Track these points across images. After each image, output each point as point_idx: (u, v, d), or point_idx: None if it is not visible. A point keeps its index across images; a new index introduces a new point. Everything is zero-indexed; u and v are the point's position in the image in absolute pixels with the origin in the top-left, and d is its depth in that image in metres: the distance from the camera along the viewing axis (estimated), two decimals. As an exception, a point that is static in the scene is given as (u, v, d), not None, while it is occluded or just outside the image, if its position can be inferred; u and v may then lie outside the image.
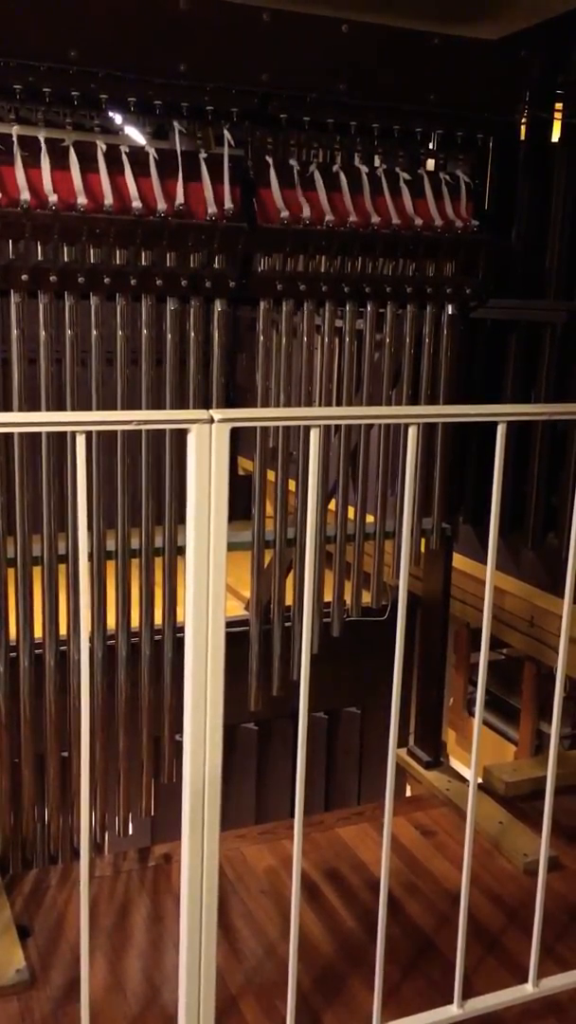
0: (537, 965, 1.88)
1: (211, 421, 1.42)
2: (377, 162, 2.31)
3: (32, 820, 2.25)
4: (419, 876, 2.39)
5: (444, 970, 1.98)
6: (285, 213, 2.16)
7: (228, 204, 2.10)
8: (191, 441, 1.42)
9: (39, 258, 2.00)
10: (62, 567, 2.17)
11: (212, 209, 2.09)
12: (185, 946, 1.59)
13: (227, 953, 2.06)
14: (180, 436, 1.53)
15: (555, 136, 2.93)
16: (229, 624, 1.53)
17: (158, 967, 2.03)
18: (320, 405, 2.38)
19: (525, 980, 1.90)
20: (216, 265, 2.16)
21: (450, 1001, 1.84)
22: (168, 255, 2.11)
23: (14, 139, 1.94)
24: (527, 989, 1.90)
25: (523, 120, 2.89)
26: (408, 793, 3.14)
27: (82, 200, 1.98)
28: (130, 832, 2.39)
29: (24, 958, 2.00)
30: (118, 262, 2.07)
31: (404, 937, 2.15)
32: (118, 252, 2.06)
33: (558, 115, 2.87)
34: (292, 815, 1.66)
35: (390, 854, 1.73)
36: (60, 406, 2.08)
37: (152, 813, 2.42)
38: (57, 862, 2.36)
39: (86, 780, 1.52)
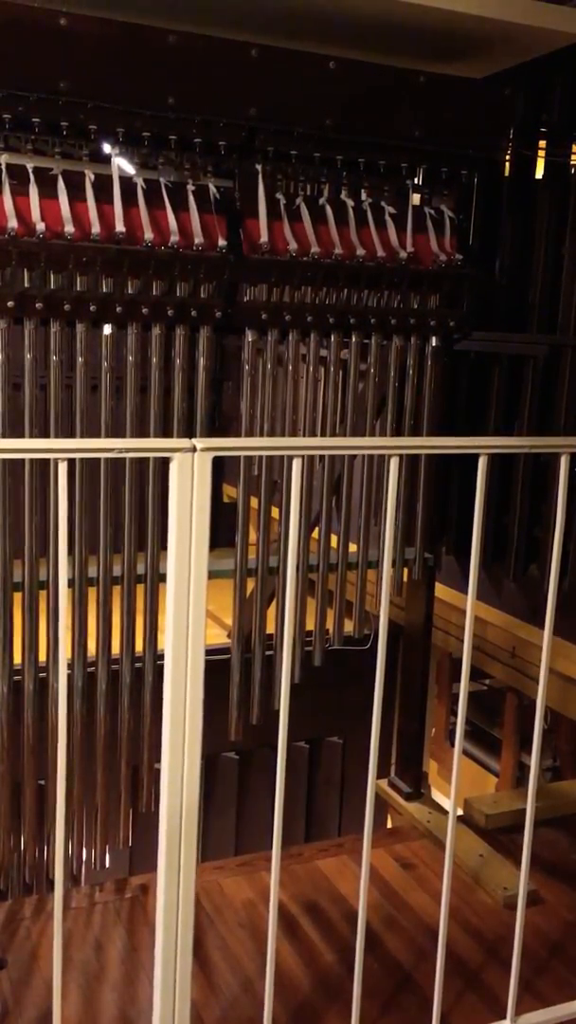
0: (516, 1001, 1.87)
1: (193, 450, 1.43)
2: (363, 195, 2.33)
3: (7, 849, 2.22)
4: (398, 909, 2.37)
5: (422, 1005, 1.96)
6: (271, 244, 2.18)
7: (215, 234, 2.12)
8: (173, 469, 1.43)
9: (25, 285, 2.01)
10: (43, 593, 2.16)
11: (199, 239, 2.11)
12: (160, 979, 1.57)
13: (203, 986, 2.04)
14: (163, 463, 1.54)
15: (538, 173, 2.98)
16: (210, 652, 1.52)
17: (132, 1001, 2.00)
18: (304, 434, 2.39)
19: (503, 1016, 1.88)
20: (202, 294, 2.17)
21: (428, 1037, 1.82)
22: (154, 284, 2.12)
23: (2, 168, 1.95)
24: (505, 1025, 1.88)
25: (507, 157, 2.94)
26: (389, 824, 3.13)
27: (69, 228, 1.99)
28: (107, 863, 2.36)
29: (-4, 991, 1.97)
30: (104, 290, 2.08)
31: (382, 971, 2.13)
32: (104, 280, 2.08)
33: (541, 153, 2.92)
34: (272, 846, 1.65)
35: (369, 887, 1.72)
36: (44, 432, 2.09)
37: (130, 843, 2.39)
38: (32, 892, 2.33)
39: (62, 809, 1.51)
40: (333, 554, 2.49)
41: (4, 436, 2.05)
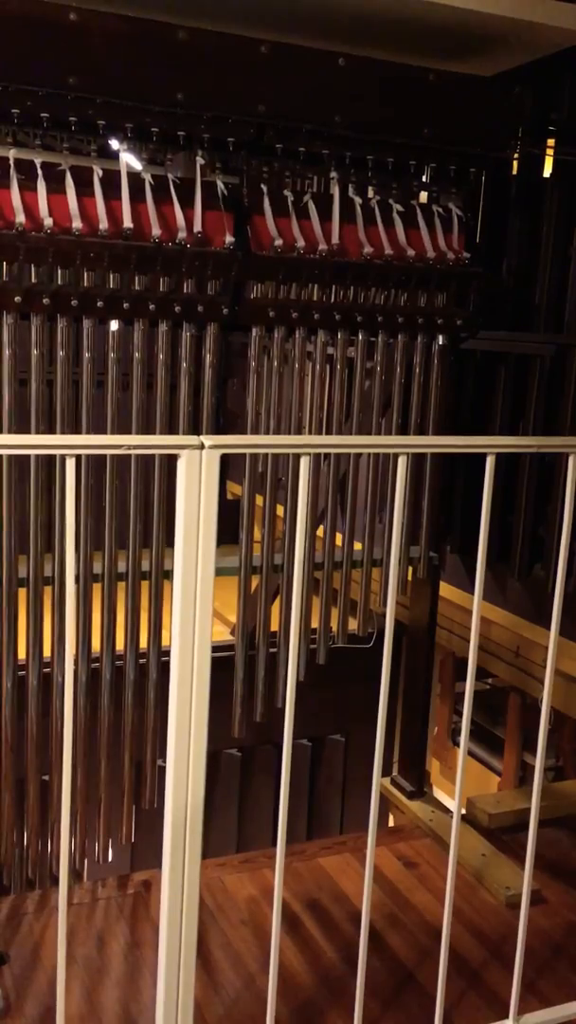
0: (518, 1001, 1.87)
1: (201, 447, 1.43)
2: (371, 193, 2.33)
3: (11, 845, 2.22)
4: (401, 908, 2.37)
5: (424, 1004, 1.96)
6: (279, 241, 2.17)
7: (222, 231, 2.12)
8: (181, 466, 1.43)
9: (32, 280, 2.01)
10: (47, 589, 2.16)
11: (206, 236, 2.10)
12: (163, 976, 1.57)
13: (205, 984, 2.04)
14: (170, 460, 1.53)
15: (546, 172, 2.97)
16: (214, 649, 1.52)
17: (135, 997, 2.00)
18: (310, 432, 2.39)
19: (506, 1016, 1.88)
20: (209, 291, 2.17)
21: (430, 1036, 1.82)
22: (161, 280, 2.12)
23: (11, 163, 1.95)
24: (508, 1025, 1.88)
25: (515, 155, 2.93)
26: (391, 823, 3.12)
27: (77, 224, 1.99)
28: (110, 859, 2.36)
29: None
30: (111, 286, 2.08)
31: (385, 970, 2.13)
32: (111, 276, 2.07)
33: (550, 151, 2.91)
34: (274, 844, 1.65)
35: (372, 886, 1.71)
36: (50, 428, 2.08)
37: (132, 839, 2.39)
38: (35, 888, 2.33)
39: (67, 805, 1.51)
40: (338, 552, 2.49)
41: (10, 432, 2.05)
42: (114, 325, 2.11)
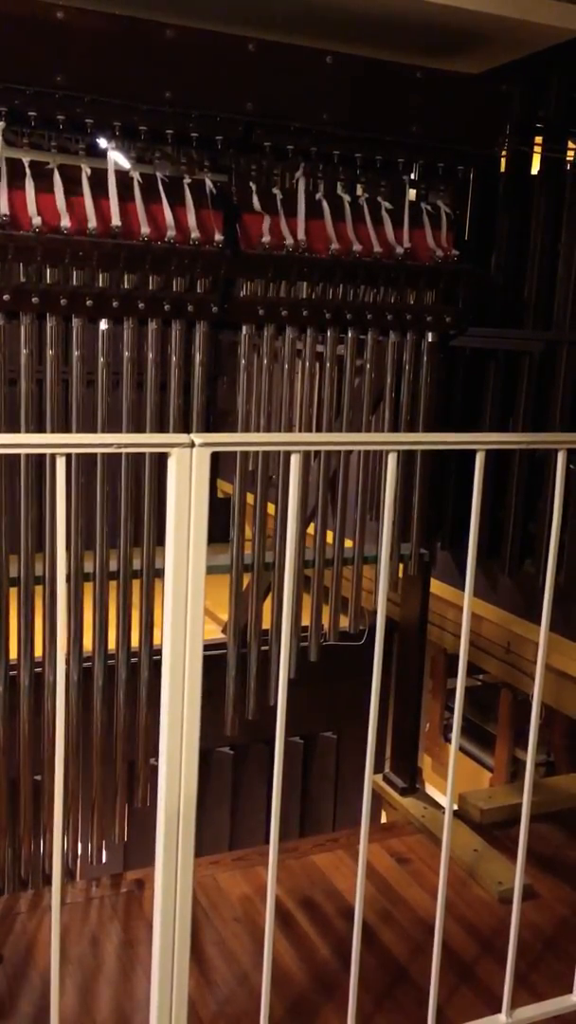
0: (511, 995, 1.87)
1: (192, 445, 1.43)
2: (359, 191, 2.33)
3: (3, 845, 2.22)
4: (394, 904, 2.38)
5: (418, 1000, 1.97)
6: (268, 239, 2.17)
7: (211, 229, 2.12)
8: (172, 465, 1.43)
9: (21, 279, 2.00)
10: (38, 588, 2.15)
11: (196, 234, 2.10)
12: (157, 974, 1.58)
13: (199, 982, 2.04)
14: (160, 459, 1.53)
15: (534, 169, 2.98)
16: (206, 647, 1.52)
17: (129, 995, 2.00)
18: (300, 429, 2.39)
19: (499, 1010, 1.89)
20: (199, 289, 2.17)
21: (424, 1031, 1.83)
22: (151, 279, 2.12)
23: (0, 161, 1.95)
24: (500, 1020, 1.88)
25: (503, 153, 2.93)
26: (383, 819, 3.13)
27: (65, 223, 1.99)
28: (103, 858, 2.36)
29: (-8, 986, 1.97)
30: (101, 285, 2.07)
31: (378, 966, 2.14)
32: (101, 275, 2.07)
33: (537, 149, 2.91)
34: (267, 841, 1.65)
35: (365, 882, 1.72)
36: (40, 427, 2.08)
37: (125, 838, 2.39)
38: (28, 888, 2.33)
39: (59, 804, 1.51)
40: (329, 550, 2.49)
41: (1, 431, 2.05)
42: (104, 324, 2.11)
